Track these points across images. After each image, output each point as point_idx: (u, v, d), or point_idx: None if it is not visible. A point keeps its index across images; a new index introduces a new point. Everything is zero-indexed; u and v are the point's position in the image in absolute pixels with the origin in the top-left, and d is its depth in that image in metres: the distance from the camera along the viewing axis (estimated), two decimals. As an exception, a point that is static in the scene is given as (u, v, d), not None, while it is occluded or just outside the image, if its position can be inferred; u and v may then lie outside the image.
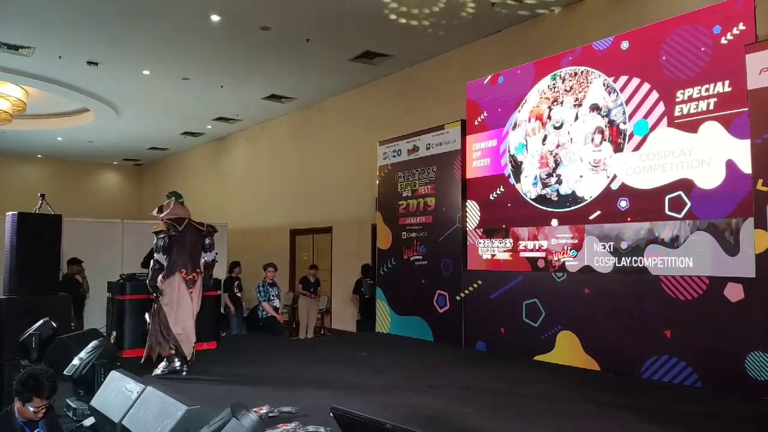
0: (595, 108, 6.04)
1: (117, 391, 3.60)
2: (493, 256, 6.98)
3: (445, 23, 8.32)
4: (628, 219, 5.65)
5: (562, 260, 6.21)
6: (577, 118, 6.20)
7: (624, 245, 5.66)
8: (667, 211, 5.35)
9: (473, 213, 7.27)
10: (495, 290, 6.81)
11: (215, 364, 5.95)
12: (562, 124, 6.36)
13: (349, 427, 2.54)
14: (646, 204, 5.52)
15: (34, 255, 6.12)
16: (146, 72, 10.56)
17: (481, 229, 7.16)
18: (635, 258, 5.56)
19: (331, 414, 2.59)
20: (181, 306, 5.42)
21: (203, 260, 5.67)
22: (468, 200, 7.34)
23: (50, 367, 3.75)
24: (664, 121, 5.44)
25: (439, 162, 7.76)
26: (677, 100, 5.35)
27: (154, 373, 5.29)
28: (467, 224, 7.32)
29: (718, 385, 4.86)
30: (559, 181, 6.33)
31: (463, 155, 7.43)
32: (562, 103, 6.37)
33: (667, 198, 5.36)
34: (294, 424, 3.59)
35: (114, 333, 6.70)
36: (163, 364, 5.43)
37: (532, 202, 6.58)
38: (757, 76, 4.79)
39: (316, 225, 12.47)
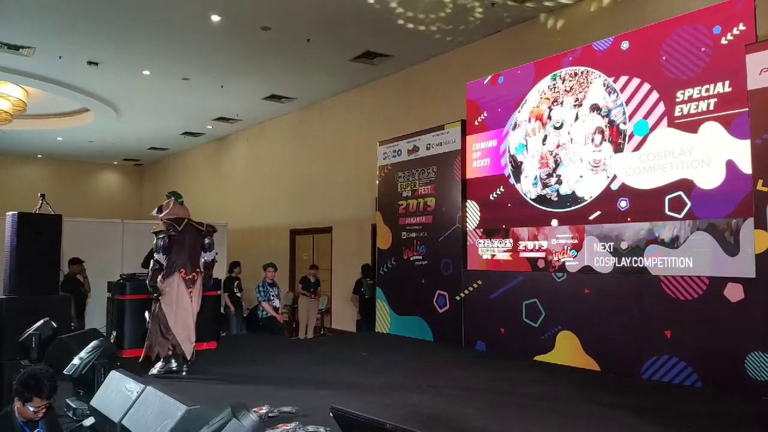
0: (595, 108, 6.04)
1: (117, 391, 3.59)
2: (493, 256, 6.98)
3: (451, 28, 8.39)
4: (628, 219, 5.65)
5: (562, 260, 6.21)
6: (577, 118, 6.20)
7: (624, 245, 5.66)
8: (667, 212, 5.35)
9: (473, 213, 7.27)
10: (495, 290, 6.81)
11: (215, 364, 5.95)
12: (562, 124, 6.36)
13: (349, 427, 2.54)
14: (646, 204, 5.52)
15: (34, 255, 6.12)
16: (146, 72, 10.56)
17: (481, 229, 7.16)
18: (635, 258, 5.56)
19: (331, 414, 2.59)
20: (180, 306, 5.42)
21: (203, 260, 5.67)
22: (468, 200, 7.34)
23: (50, 367, 3.75)
24: (664, 121, 5.44)
25: (439, 162, 7.76)
26: (677, 100, 5.35)
27: (150, 373, 5.29)
28: (467, 224, 7.32)
29: (718, 385, 4.86)
30: (559, 182, 6.33)
31: (463, 155, 7.43)
32: (562, 103, 6.37)
33: (667, 198, 5.36)
34: (294, 424, 3.59)
35: (114, 333, 6.70)
36: (159, 365, 5.43)
37: (532, 202, 6.58)
38: (757, 77, 4.79)
39: (316, 225, 12.47)
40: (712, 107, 5.12)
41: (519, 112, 6.83)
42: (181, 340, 5.38)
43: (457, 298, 7.23)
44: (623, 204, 5.70)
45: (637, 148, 5.63)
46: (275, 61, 9.90)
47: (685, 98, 5.30)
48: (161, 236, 5.42)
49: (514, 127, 6.87)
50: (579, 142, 6.16)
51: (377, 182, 8.88)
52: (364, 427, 2.45)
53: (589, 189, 6.02)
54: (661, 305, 5.27)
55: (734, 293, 4.81)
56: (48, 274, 6.28)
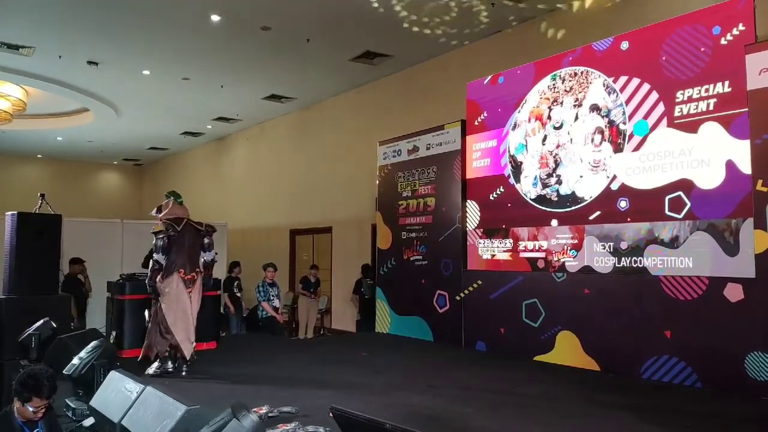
0: (595, 108, 6.04)
1: (116, 391, 3.59)
2: (493, 256, 6.98)
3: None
4: (628, 219, 5.65)
5: (562, 260, 6.21)
6: (577, 118, 6.20)
7: (624, 245, 5.66)
8: (667, 212, 5.35)
9: (473, 213, 7.27)
10: (495, 290, 6.81)
11: (215, 364, 5.94)
12: (562, 124, 6.36)
13: (349, 427, 2.54)
14: (646, 204, 5.52)
15: (34, 255, 6.12)
16: (146, 72, 10.56)
17: (481, 229, 7.16)
18: (635, 258, 5.56)
19: (331, 414, 2.59)
20: (179, 306, 5.42)
21: (202, 260, 5.67)
22: (468, 200, 7.34)
23: (50, 367, 3.75)
24: (664, 121, 5.44)
25: (439, 162, 7.76)
26: (677, 100, 5.35)
27: (146, 372, 5.29)
28: (467, 224, 7.32)
29: (718, 385, 4.86)
30: (559, 182, 6.33)
31: (463, 155, 7.43)
32: (562, 103, 6.37)
33: (667, 198, 5.36)
34: (294, 424, 3.60)
35: (113, 333, 6.70)
36: (155, 365, 5.43)
37: (532, 202, 6.58)
38: (757, 77, 4.79)
39: (316, 225, 12.47)
40: (711, 107, 5.12)
41: (519, 112, 6.83)
42: (181, 340, 5.38)
43: (457, 298, 7.23)
44: (623, 204, 5.70)
45: (637, 148, 5.63)
46: (275, 61, 9.90)
47: (685, 98, 5.30)
48: (160, 236, 5.42)
49: (514, 127, 6.87)
50: (579, 142, 6.16)
51: (377, 182, 8.88)
52: (364, 427, 2.44)
53: (589, 189, 6.02)
54: (661, 305, 5.27)
55: (734, 293, 4.81)
56: (48, 274, 6.28)
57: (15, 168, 18.96)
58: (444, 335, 7.37)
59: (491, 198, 7.05)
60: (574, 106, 6.23)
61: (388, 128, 9.59)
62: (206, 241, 5.68)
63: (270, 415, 3.92)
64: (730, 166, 4.96)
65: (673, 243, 5.29)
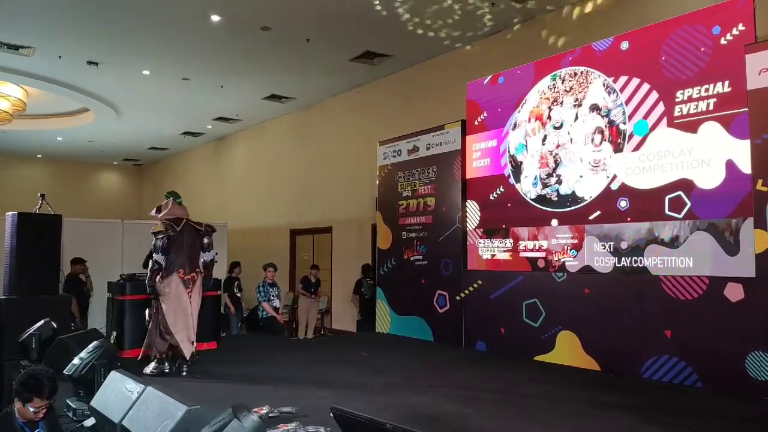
0: (594, 108, 6.05)
1: (117, 392, 3.60)
2: (493, 256, 6.98)
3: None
4: (628, 219, 5.65)
5: (562, 260, 6.21)
6: (576, 118, 6.21)
7: (624, 245, 5.66)
8: (667, 211, 5.36)
9: (473, 213, 7.27)
10: (495, 290, 6.81)
11: (215, 364, 5.95)
12: (562, 124, 6.36)
13: (349, 427, 2.54)
14: (646, 204, 5.52)
15: (35, 255, 6.12)
16: (146, 72, 10.56)
17: (481, 229, 7.16)
18: (635, 258, 5.56)
19: (331, 414, 2.59)
20: (179, 306, 5.43)
21: (202, 260, 5.67)
22: (468, 200, 7.34)
23: (50, 368, 3.75)
24: (664, 121, 5.44)
25: (439, 162, 7.76)
26: (677, 100, 5.35)
27: (143, 371, 5.30)
28: (467, 224, 7.32)
29: (719, 385, 4.86)
30: (559, 181, 6.33)
31: (463, 155, 7.43)
32: (561, 103, 6.37)
33: (667, 198, 5.36)
34: (294, 425, 3.60)
35: (114, 333, 6.70)
36: (152, 365, 5.43)
37: (532, 202, 6.58)
38: (757, 77, 4.79)
39: (316, 225, 12.47)
40: (711, 107, 5.12)
41: (519, 112, 6.83)
42: (181, 341, 5.38)
43: (457, 298, 7.23)
44: (623, 204, 5.71)
45: (637, 148, 5.63)
46: (275, 61, 9.90)
47: (685, 98, 5.30)
48: (160, 236, 5.43)
49: (514, 127, 6.88)
50: (579, 142, 6.16)
51: (377, 182, 8.88)
52: (364, 427, 2.45)
53: (589, 189, 6.03)
54: (661, 305, 5.27)
55: (734, 293, 4.81)
56: (48, 275, 6.28)
57: (15, 168, 18.97)
58: (444, 335, 7.37)
59: (491, 198, 7.05)
60: (574, 106, 6.23)
61: (388, 128, 9.59)
62: (206, 241, 5.69)
63: (270, 415, 3.92)
64: (730, 165, 4.97)
65: (674, 243, 5.29)
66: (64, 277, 7.59)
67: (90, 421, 3.74)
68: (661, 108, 5.47)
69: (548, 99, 6.52)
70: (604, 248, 5.82)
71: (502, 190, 6.94)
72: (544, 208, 6.44)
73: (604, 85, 5.97)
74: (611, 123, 5.88)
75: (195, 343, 5.55)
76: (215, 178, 16.83)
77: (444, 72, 9.40)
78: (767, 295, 4.61)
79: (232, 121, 14.31)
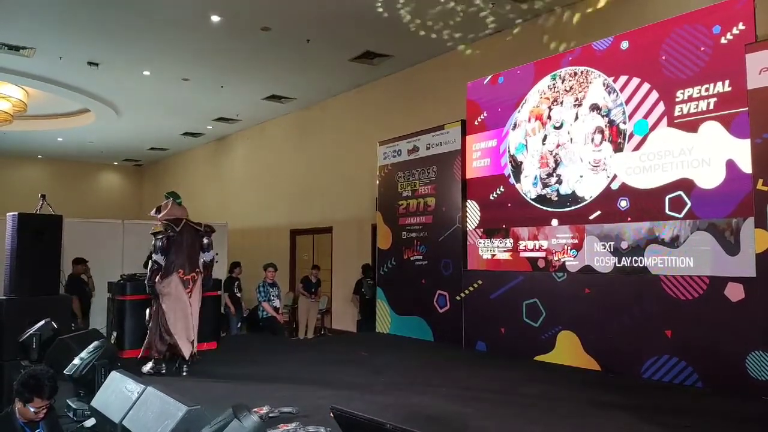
0: (595, 108, 6.04)
1: (117, 392, 3.60)
2: (493, 256, 6.98)
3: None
4: (629, 219, 5.65)
5: (562, 260, 6.21)
6: (577, 118, 6.20)
7: (624, 245, 5.66)
8: (667, 211, 5.35)
9: (473, 213, 7.27)
10: (495, 290, 6.81)
11: (215, 364, 5.95)
12: (562, 124, 6.36)
13: (349, 427, 2.54)
14: (647, 204, 5.52)
15: (35, 256, 6.12)
16: (146, 72, 10.57)
17: (481, 229, 7.16)
18: (635, 258, 5.56)
19: (331, 414, 2.59)
20: (179, 306, 5.43)
21: (202, 260, 5.68)
22: (468, 200, 7.34)
23: (50, 368, 3.75)
24: (664, 120, 5.44)
25: (439, 162, 7.76)
26: (677, 99, 5.35)
27: (141, 370, 5.30)
28: (467, 224, 7.32)
29: (719, 384, 4.85)
30: (559, 181, 6.33)
31: (463, 155, 7.43)
32: (562, 103, 6.37)
33: (667, 198, 5.36)
34: (294, 425, 3.60)
35: (114, 333, 6.71)
36: (150, 364, 5.44)
37: (532, 202, 6.58)
38: (757, 76, 4.78)
39: (316, 225, 12.47)
40: (711, 107, 5.11)
41: (519, 112, 6.83)
42: (180, 340, 5.39)
43: (458, 298, 7.23)
44: (623, 204, 5.70)
45: (637, 147, 5.63)
46: (275, 61, 9.91)
47: (685, 98, 5.29)
48: (159, 237, 5.44)
49: (514, 127, 6.87)
50: (579, 141, 6.16)
51: (377, 182, 8.88)
52: (364, 427, 2.45)
53: (589, 189, 6.02)
54: (662, 305, 5.27)
55: (735, 293, 4.81)
56: (48, 275, 6.28)
57: (16, 169, 18.98)
58: (444, 335, 7.37)
59: (491, 198, 7.05)
60: (574, 105, 6.23)
61: (388, 128, 9.59)
62: (205, 241, 5.69)
63: (271, 415, 3.92)
64: (731, 165, 4.96)
65: (674, 242, 5.29)
66: (65, 278, 7.60)
67: (90, 422, 3.75)
68: (661, 108, 5.47)
69: (548, 99, 6.51)
70: (605, 248, 5.82)
71: (502, 190, 6.94)
72: (545, 207, 6.43)
73: (604, 84, 5.97)
74: (611, 123, 5.88)
75: (195, 344, 5.55)
76: (215, 178, 16.83)
77: (444, 72, 9.40)
78: (767, 295, 4.61)
79: (232, 121, 14.31)
